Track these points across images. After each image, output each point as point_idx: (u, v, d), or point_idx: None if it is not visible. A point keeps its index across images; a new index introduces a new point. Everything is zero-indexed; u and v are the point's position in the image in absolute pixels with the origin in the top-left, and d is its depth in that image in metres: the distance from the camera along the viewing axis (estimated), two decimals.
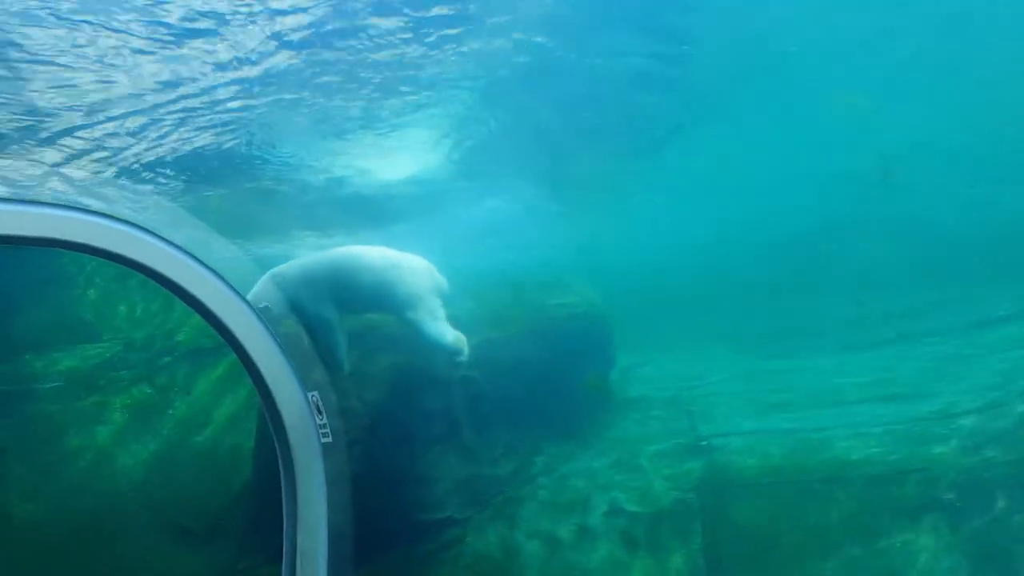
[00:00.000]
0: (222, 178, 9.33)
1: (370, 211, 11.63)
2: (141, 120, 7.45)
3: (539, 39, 8.12)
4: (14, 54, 6.06)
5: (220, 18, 6.38)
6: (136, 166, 8.14)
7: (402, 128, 9.39)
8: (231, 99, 7.57)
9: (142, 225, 6.02)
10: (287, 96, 7.87)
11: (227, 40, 6.66)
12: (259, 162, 9.23)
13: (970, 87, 12.93)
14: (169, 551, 9.25)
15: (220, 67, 6.99)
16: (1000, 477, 7.19)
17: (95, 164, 7.81)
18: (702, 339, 16.72)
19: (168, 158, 8.26)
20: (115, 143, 7.64)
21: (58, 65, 6.33)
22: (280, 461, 6.90)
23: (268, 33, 6.73)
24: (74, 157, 7.56)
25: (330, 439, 7.04)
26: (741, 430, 9.22)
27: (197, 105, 7.48)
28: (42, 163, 7.43)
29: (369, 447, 8.10)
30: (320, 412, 7.00)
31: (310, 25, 6.82)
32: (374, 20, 7.02)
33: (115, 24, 6.10)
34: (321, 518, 6.87)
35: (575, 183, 14.18)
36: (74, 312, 11.29)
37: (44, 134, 7.09)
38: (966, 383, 9.46)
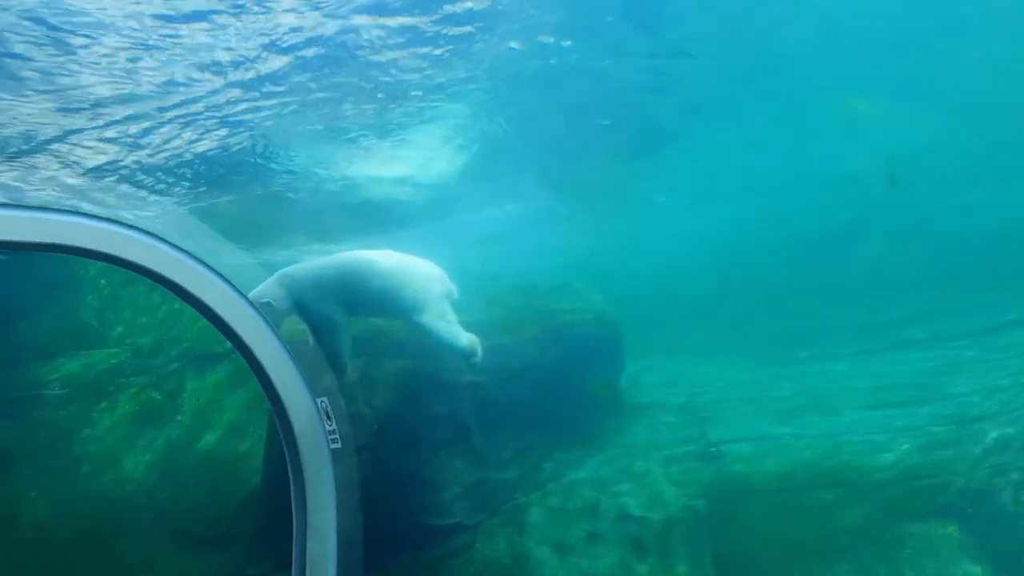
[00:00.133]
0: (230, 184, 9.33)
1: (379, 216, 11.63)
2: (146, 125, 7.45)
3: (547, 44, 8.11)
4: (17, 60, 6.06)
5: (227, 22, 6.37)
6: (142, 171, 8.15)
7: (411, 133, 9.39)
8: (238, 104, 7.56)
9: (150, 230, 6.01)
10: (295, 101, 7.86)
11: (233, 45, 6.65)
12: (267, 168, 9.23)
13: (978, 88, 12.88)
14: (177, 557, 9.25)
15: (226, 72, 6.99)
16: (1012, 482, 7.16)
17: (101, 169, 7.82)
18: (712, 345, 16.68)
19: (174, 163, 8.27)
20: (121, 148, 7.65)
21: (65, 70, 6.33)
22: (289, 467, 6.89)
23: (275, 38, 6.72)
24: (80, 162, 7.57)
25: (339, 445, 7.03)
26: (751, 436, 9.21)
27: (203, 110, 7.48)
28: (48, 169, 7.44)
29: (378, 453, 8.09)
30: (329, 418, 6.99)
31: (317, 29, 6.81)
32: (383, 24, 7.01)
33: (120, 27, 6.10)
34: (330, 524, 6.85)
35: (584, 188, 14.17)
36: (81, 318, 11.32)
37: (50, 139, 7.10)
38: (977, 388, 9.44)
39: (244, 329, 6.52)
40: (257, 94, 7.48)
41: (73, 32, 5.93)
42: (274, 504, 7.98)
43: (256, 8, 6.30)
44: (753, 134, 13.92)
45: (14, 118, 6.67)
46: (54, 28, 5.83)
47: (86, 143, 7.30)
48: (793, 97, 12.10)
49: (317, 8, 6.55)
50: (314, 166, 9.60)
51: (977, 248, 17.71)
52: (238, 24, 6.40)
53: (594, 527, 8.24)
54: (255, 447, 9.59)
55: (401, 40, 7.31)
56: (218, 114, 7.64)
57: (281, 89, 7.52)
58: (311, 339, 8.11)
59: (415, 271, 8.14)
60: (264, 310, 7.11)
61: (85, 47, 6.12)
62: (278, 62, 7.07)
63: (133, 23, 6.06)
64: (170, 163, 8.22)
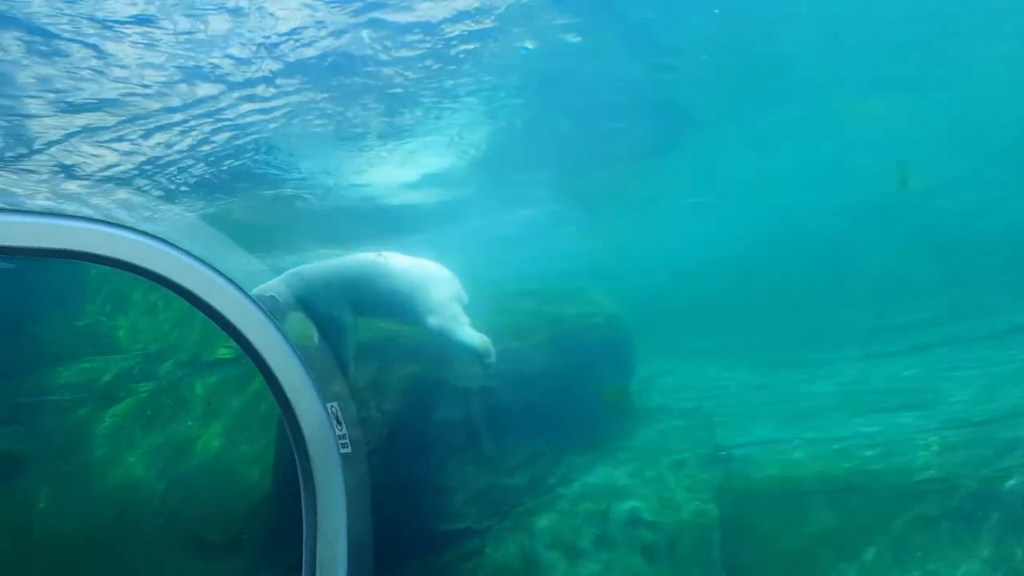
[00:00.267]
0: (238, 189, 9.36)
1: (388, 221, 11.66)
2: (156, 130, 7.48)
3: (557, 47, 8.12)
4: (28, 67, 6.10)
5: (236, 28, 6.40)
6: (152, 177, 8.17)
7: (420, 137, 9.41)
8: (248, 110, 7.59)
9: (161, 236, 6.03)
10: (303, 106, 7.89)
11: (244, 49, 6.67)
12: (277, 173, 9.26)
13: (990, 91, 12.85)
14: (188, 562, 9.26)
15: (237, 77, 7.01)
16: (1021, 486, 7.14)
17: (112, 175, 7.85)
18: (722, 349, 16.67)
19: (184, 169, 8.30)
20: (130, 153, 7.67)
21: (75, 76, 6.35)
22: (300, 472, 6.89)
23: (282, 42, 6.74)
24: (91, 169, 7.59)
25: (349, 450, 7.03)
26: (761, 440, 9.19)
27: (213, 114, 7.51)
28: (58, 175, 7.46)
29: (388, 457, 8.09)
30: (339, 423, 7.00)
31: (327, 34, 6.83)
32: (392, 28, 7.03)
33: (126, 32, 6.12)
34: (341, 529, 6.86)
35: (594, 192, 14.18)
36: (92, 323, 11.35)
37: (60, 146, 7.13)
38: (986, 392, 9.42)
39: (254, 334, 6.54)
40: (264, 99, 7.51)
41: (76, 34, 5.96)
42: (284, 509, 7.98)
43: (263, 12, 6.33)
44: (763, 136, 13.91)
45: (16, 121, 6.70)
46: (56, 33, 5.86)
47: (92, 147, 7.32)
48: (804, 98, 12.08)
49: (326, 12, 6.57)
50: (323, 171, 9.63)
51: (987, 252, 17.66)
52: (244, 27, 6.43)
53: (604, 532, 8.23)
54: (265, 452, 9.60)
55: (412, 45, 7.33)
56: (226, 119, 7.67)
57: (288, 94, 7.55)
58: (316, 336, 8.14)
59: (426, 273, 8.15)
60: (267, 304, 7.14)
61: (88, 48, 6.15)
62: (285, 67, 7.09)
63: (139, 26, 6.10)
64: (178, 168, 8.26)
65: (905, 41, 10.35)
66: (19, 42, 5.85)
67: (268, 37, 6.60)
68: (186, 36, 6.31)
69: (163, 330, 11.30)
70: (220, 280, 6.34)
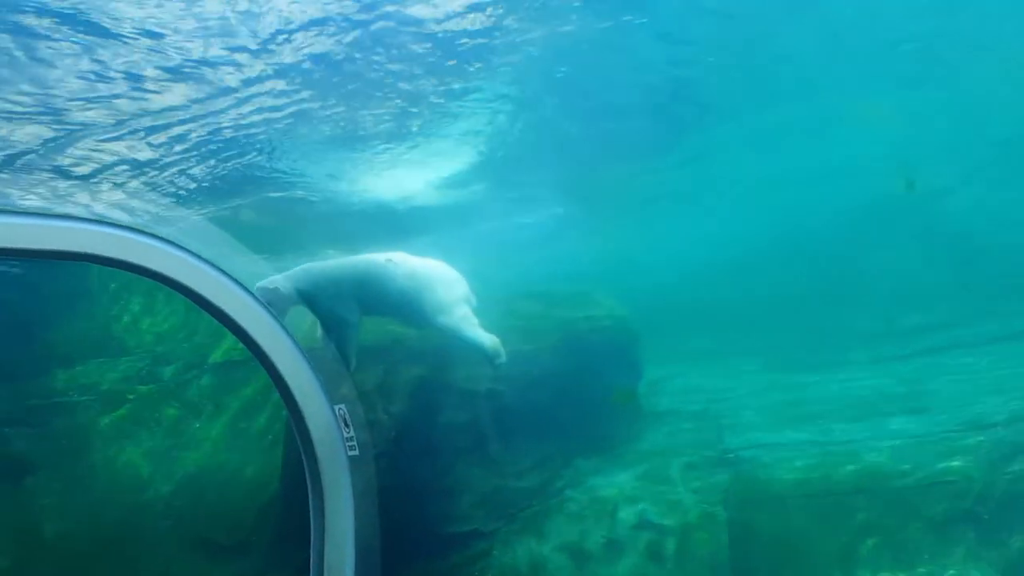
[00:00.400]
0: (248, 191, 9.37)
1: (397, 223, 11.67)
2: (164, 133, 7.49)
3: (565, 49, 8.12)
4: (38, 69, 6.10)
5: (245, 30, 6.40)
6: (160, 179, 8.18)
7: (429, 140, 9.41)
8: (256, 112, 7.59)
9: (170, 238, 6.05)
10: (313, 108, 7.89)
11: (252, 52, 6.67)
12: (285, 175, 9.26)
13: (997, 96, 12.83)
14: (195, 564, 9.27)
15: (244, 79, 7.01)
16: None
17: (121, 178, 7.86)
18: (730, 352, 16.65)
19: (192, 171, 8.30)
20: (139, 157, 7.68)
21: (84, 79, 6.36)
22: (307, 474, 6.91)
23: (294, 45, 6.74)
24: (100, 171, 7.60)
25: (357, 452, 7.05)
26: (769, 443, 9.17)
27: (221, 117, 7.51)
28: (68, 177, 7.47)
29: (396, 460, 8.09)
30: (347, 425, 7.01)
31: (336, 37, 6.83)
32: (402, 32, 7.03)
33: (133, 35, 6.13)
34: (348, 531, 6.87)
35: (603, 195, 14.18)
36: (101, 326, 11.36)
37: (69, 148, 7.14)
38: (994, 395, 9.40)
39: (263, 337, 6.56)
40: (272, 101, 7.50)
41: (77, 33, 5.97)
42: (292, 511, 8.00)
43: (270, 14, 6.33)
44: (773, 144, 13.91)
45: (19, 125, 6.71)
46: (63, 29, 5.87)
47: (96, 150, 7.33)
48: (813, 100, 12.06)
49: (336, 16, 6.57)
50: (331, 173, 9.63)
51: (996, 257, 17.62)
52: (258, 33, 6.44)
53: (612, 534, 8.22)
54: (273, 454, 9.61)
55: (421, 48, 7.34)
56: (237, 122, 7.68)
57: (296, 96, 7.55)
58: (320, 332, 8.17)
59: (435, 274, 8.16)
60: (267, 295, 7.16)
61: (94, 48, 6.15)
62: (293, 68, 7.09)
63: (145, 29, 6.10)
64: (190, 171, 8.26)
65: (905, 41, 10.33)
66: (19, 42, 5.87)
67: (275, 37, 6.60)
68: (189, 35, 6.32)
69: (170, 332, 11.30)
70: (229, 283, 6.36)
